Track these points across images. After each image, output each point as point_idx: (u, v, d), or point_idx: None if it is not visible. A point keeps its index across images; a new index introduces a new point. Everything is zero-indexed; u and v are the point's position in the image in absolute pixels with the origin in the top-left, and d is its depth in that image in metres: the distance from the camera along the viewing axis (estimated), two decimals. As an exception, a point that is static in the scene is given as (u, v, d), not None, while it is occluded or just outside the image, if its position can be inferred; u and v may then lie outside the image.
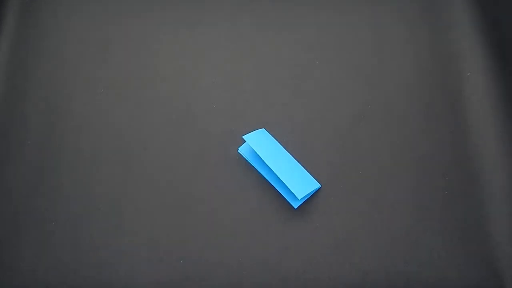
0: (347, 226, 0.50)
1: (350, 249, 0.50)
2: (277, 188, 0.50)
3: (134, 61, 0.57)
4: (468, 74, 0.57)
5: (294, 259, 0.49)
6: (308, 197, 0.50)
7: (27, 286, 0.48)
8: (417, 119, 0.55)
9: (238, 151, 0.52)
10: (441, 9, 0.60)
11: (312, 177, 0.50)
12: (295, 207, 0.49)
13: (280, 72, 0.57)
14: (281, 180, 0.48)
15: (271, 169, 0.49)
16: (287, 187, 0.48)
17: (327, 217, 0.50)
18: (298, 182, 0.49)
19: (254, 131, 0.51)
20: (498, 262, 0.49)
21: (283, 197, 0.50)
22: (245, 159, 0.52)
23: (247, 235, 0.49)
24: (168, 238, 0.49)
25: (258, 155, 0.50)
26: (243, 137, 0.50)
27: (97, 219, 0.50)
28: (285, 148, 0.52)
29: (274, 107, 0.55)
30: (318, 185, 0.50)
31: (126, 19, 0.60)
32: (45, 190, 0.52)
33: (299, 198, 0.48)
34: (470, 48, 0.58)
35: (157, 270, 0.48)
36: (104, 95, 0.56)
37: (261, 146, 0.50)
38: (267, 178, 0.51)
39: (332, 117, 0.55)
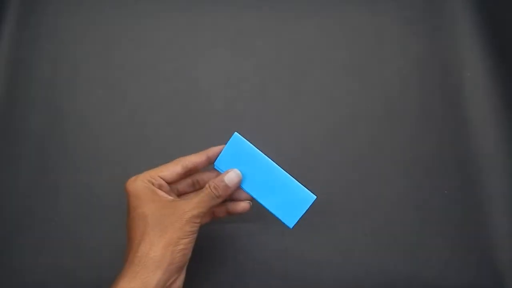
0: (347, 226, 0.50)
1: (350, 249, 0.50)
2: (269, 210, 0.44)
3: (134, 61, 0.57)
4: (468, 74, 0.57)
5: (294, 259, 0.49)
6: (303, 213, 0.43)
7: (27, 286, 0.48)
8: (417, 119, 0.55)
9: (214, 166, 0.44)
10: (441, 9, 0.60)
11: (303, 188, 0.43)
12: (291, 227, 0.43)
13: (280, 72, 0.57)
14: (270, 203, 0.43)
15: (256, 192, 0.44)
16: (278, 207, 0.43)
17: (327, 217, 0.50)
18: (287, 205, 0.43)
19: (225, 146, 0.44)
20: (498, 262, 0.49)
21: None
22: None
23: (247, 236, 0.50)
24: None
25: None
26: (215, 165, 0.44)
27: (97, 219, 0.50)
28: (265, 155, 0.44)
29: (274, 107, 0.55)
30: (312, 198, 0.43)
31: (126, 19, 0.60)
32: (45, 190, 0.52)
33: (291, 227, 0.43)
34: (470, 48, 0.58)
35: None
36: (104, 95, 0.56)
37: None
38: (256, 199, 0.44)
39: (331, 117, 0.55)
